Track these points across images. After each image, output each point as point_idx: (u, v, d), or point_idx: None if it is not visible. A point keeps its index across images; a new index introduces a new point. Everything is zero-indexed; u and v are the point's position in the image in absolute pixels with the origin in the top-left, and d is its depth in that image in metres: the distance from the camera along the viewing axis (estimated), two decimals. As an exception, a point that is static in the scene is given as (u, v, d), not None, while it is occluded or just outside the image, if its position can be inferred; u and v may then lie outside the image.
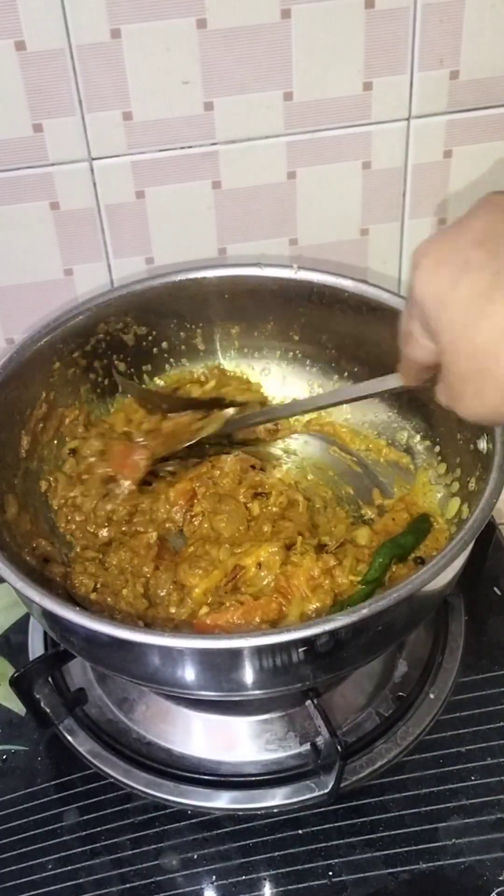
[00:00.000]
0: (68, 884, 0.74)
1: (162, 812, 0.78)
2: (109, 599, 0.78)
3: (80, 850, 0.76)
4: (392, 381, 0.71)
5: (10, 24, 0.77)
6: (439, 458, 0.86)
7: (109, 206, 0.88)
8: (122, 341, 0.90)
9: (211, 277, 0.89)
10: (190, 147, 0.86)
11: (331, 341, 0.91)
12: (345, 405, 0.90)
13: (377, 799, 0.78)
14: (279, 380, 0.94)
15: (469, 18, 0.82)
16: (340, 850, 0.75)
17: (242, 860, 0.75)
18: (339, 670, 0.75)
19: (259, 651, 0.64)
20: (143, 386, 0.92)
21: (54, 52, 0.78)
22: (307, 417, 0.93)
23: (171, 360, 0.93)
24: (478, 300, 0.49)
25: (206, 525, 0.83)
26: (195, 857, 0.75)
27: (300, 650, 0.64)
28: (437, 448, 0.87)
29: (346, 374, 0.92)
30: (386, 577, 0.78)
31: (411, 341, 0.58)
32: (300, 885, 0.73)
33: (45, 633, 0.89)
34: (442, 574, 0.66)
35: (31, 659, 0.88)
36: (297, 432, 0.93)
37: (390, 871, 0.74)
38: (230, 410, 0.87)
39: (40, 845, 0.77)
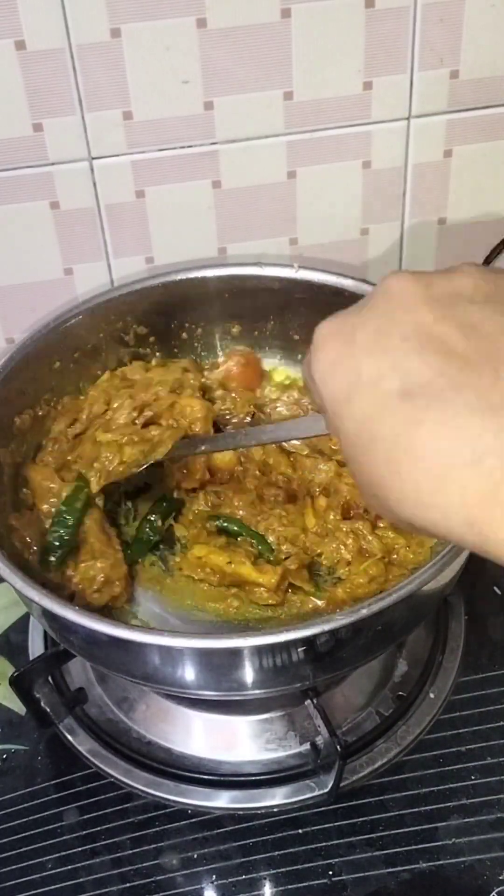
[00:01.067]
0: (68, 883, 0.74)
1: (162, 811, 0.78)
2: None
3: (80, 849, 0.76)
4: (322, 427, 0.62)
5: (10, 24, 0.77)
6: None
7: (109, 205, 0.88)
8: (123, 341, 0.90)
9: (211, 277, 0.89)
10: (190, 147, 0.86)
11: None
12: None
13: (377, 798, 0.78)
14: (279, 379, 0.94)
15: (469, 18, 0.82)
16: (340, 849, 0.75)
17: (242, 859, 0.75)
18: (339, 670, 0.75)
19: (259, 651, 0.64)
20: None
21: (54, 52, 0.79)
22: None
23: (171, 360, 0.93)
24: (366, 428, 0.46)
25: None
26: (195, 856, 0.75)
27: (300, 650, 0.64)
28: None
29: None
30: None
31: (311, 394, 0.53)
32: (300, 885, 0.73)
33: (45, 633, 0.89)
34: (442, 574, 0.66)
35: (31, 658, 0.88)
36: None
37: (390, 870, 0.74)
38: (175, 436, 0.82)
39: (40, 845, 0.77)
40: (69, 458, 0.84)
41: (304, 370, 0.53)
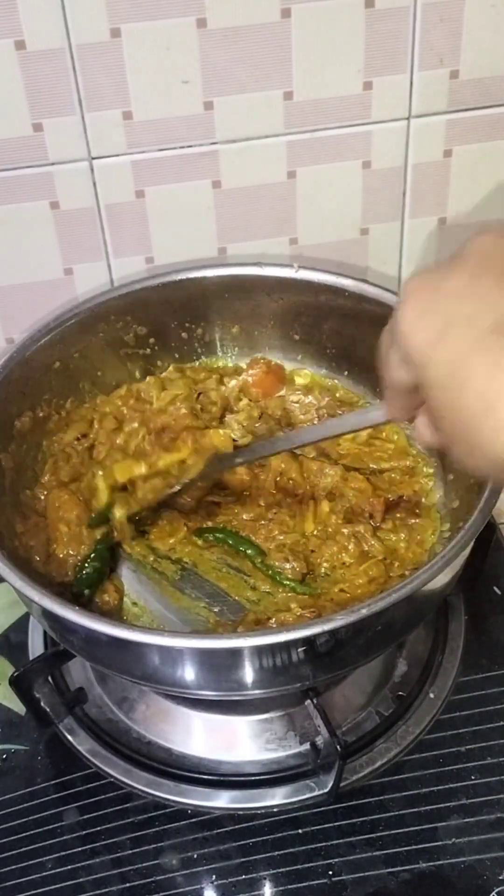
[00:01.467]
0: (68, 883, 0.74)
1: (162, 811, 0.78)
2: None
3: (80, 849, 0.76)
4: (377, 415, 0.65)
5: (10, 24, 0.77)
6: (439, 457, 0.86)
7: (109, 205, 0.88)
8: (123, 341, 0.90)
9: (211, 277, 0.89)
10: (190, 147, 0.86)
11: (331, 341, 0.91)
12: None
13: (377, 798, 0.78)
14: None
15: (469, 18, 0.82)
16: (340, 849, 0.75)
17: (242, 859, 0.75)
18: (338, 670, 0.75)
19: (259, 651, 0.64)
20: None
21: (54, 52, 0.78)
22: None
23: (171, 360, 0.93)
24: (459, 366, 0.47)
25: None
26: (195, 856, 0.75)
27: (300, 650, 0.64)
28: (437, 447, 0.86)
29: (346, 373, 0.92)
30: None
31: (389, 367, 0.55)
32: (300, 885, 0.73)
33: (45, 633, 0.89)
34: (442, 574, 0.66)
35: (31, 658, 0.88)
36: None
37: (390, 870, 0.74)
38: (209, 450, 0.81)
39: (40, 845, 0.77)
40: (82, 471, 0.85)
41: (384, 337, 0.54)
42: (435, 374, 0.48)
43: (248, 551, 0.81)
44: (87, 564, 0.80)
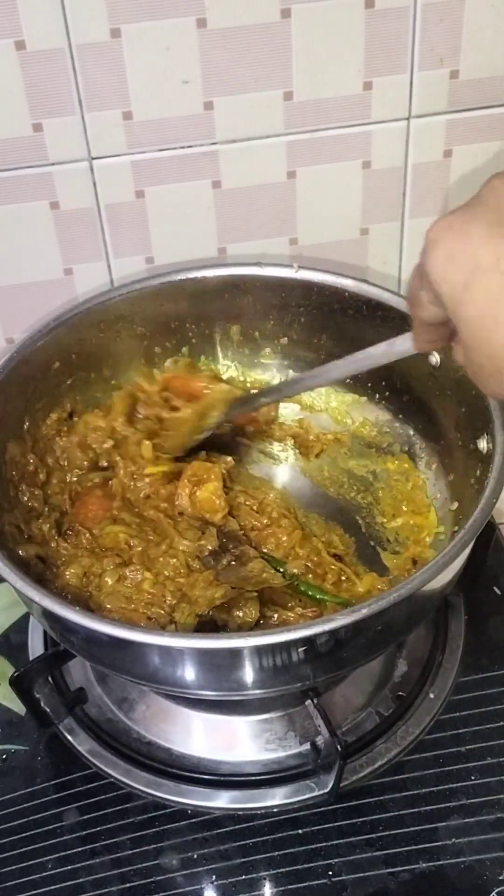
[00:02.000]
0: (68, 883, 0.74)
1: (162, 812, 0.78)
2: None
3: (80, 849, 0.76)
4: (403, 344, 0.67)
5: (10, 24, 0.77)
6: (439, 457, 0.86)
7: (109, 205, 0.88)
8: (123, 341, 0.90)
9: (211, 277, 0.89)
10: (190, 147, 0.86)
11: (331, 341, 0.91)
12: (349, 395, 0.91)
13: (377, 799, 0.78)
14: (280, 379, 0.94)
15: (469, 18, 0.82)
16: (340, 849, 0.75)
17: (242, 860, 0.75)
18: (339, 670, 0.75)
19: (259, 651, 0.64)
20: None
21: (54, 52, 0.78)
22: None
23: (171, 360, 0.93)
24: (492, 305, 0.50)
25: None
26: (195, 856, 0.75)
27: (300, 650, 0.64)
28: (437, 447, 0.87)
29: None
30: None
31: (420, 306, 0.58)
32: (300, 885, 0.73)
33: (45, 633, 0.89)
34: (442, 574, 0.66)
35: (31, 658, 0.88)
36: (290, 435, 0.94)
37: (390, 870, 0.74)
38: (230, 391, 0.83)
39: (40, 845, 0.77)
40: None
41: (413, 280, 0.57)
42: (467, 313, 0.52)
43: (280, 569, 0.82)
44: None
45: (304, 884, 0.73)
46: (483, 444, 0.75)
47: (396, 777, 0.79)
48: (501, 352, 0.51)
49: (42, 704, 0.79)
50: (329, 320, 0.89)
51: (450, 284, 0.52)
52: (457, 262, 0.52)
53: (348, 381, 0.92)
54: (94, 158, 0.85)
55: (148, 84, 0.81)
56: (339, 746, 0.73)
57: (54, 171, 0.85)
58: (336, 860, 0.74)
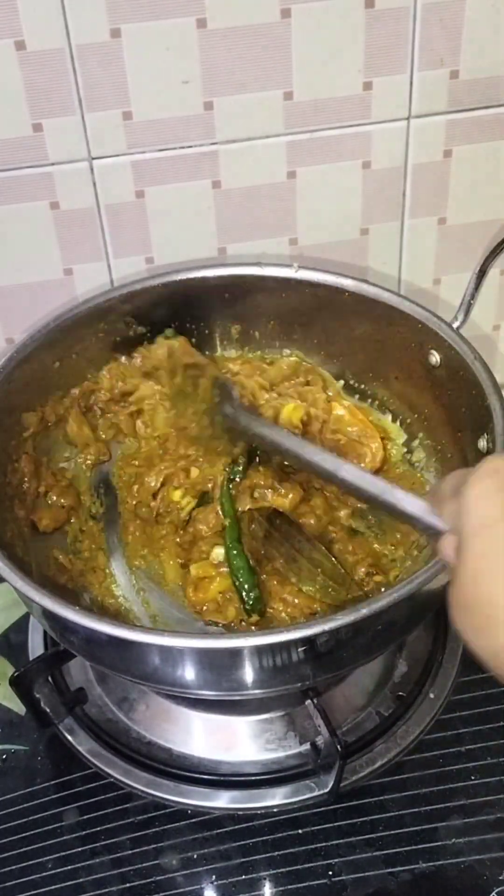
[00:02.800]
0: (68, 883, 0.74)
1: (162, 812, 0.78)
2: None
3: (80, 849, 0.76)
4: (413, 505, 0.60)
5: (10, 24, 0.77)
6: (439, 457, 0.86)
7: (109, 205, 0.88)
8: (123, 341, 0.90)
9: (211, 277, 0.89)
10: (190, 147, 0.86)
11: (331, 341, 0.91)
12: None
13: (377, 798, 0.78)
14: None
15: (469, 18, 0.82)
16: (340, 849, 0.75)
17: (242, 860, 0.75)
18: (339, 670, 0.75)
19: (259, 650, 0.64)
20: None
21: (54, 52, 0.78)
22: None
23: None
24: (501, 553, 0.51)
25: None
26: (195, 856, 0.75)
27: (300, 649, 0.64)
28: (437, 447, 0.87)
29: (346, 372, 0.92)
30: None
31: (439, 507, 0.58)
32: (300, 885, 0.73)
33: (45, 633, 0.89)
34: (442, 574, 0.66)
35: (31, 658, 0.88)
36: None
37: (390, 870, 0.74)
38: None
39: (40, 845, 0.77)
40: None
41: (444, 487, 0.58)
42: (481, 549, 0.52)
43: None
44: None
45: (304, 884, 0.73)
46: (483, 444, 0.75)
47: (396, 777, 0.79)
48: (488, 595, 0.51)
49: (42, 704, 0.79)
50: (329, 320, 0.89)
51: (482, 515, 0.53)
52: (496, 498, 0.53)
53: (348, 381, 0.92)
54: (94, 158, 0.85)
55: (148, 84, 0.81)
56: (339, 746, 0.73)
57: (54, 171, 0.85)
58: (336, 860, 0.74)
